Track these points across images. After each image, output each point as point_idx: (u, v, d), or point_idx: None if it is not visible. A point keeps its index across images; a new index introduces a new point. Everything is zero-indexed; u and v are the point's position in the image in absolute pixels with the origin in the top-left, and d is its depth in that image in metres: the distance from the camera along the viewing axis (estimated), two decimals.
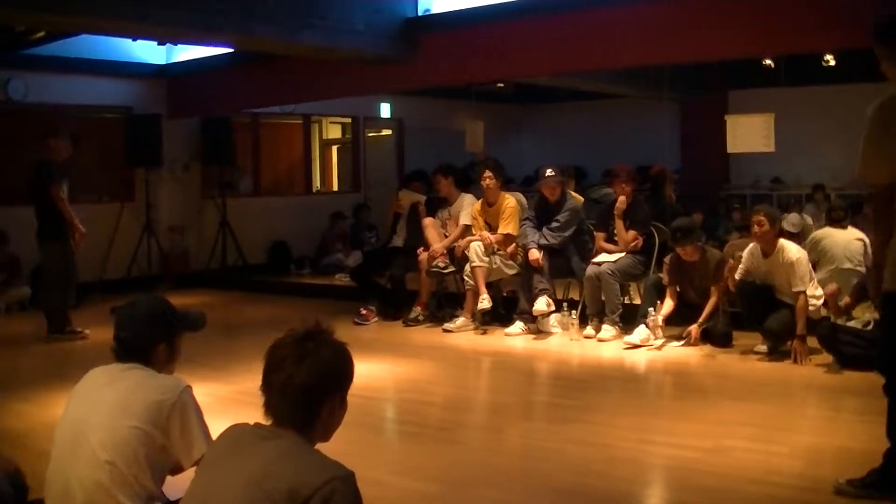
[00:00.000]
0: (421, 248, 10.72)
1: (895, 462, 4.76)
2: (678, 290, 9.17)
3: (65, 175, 10.09)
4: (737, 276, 8.56)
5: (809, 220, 12.65)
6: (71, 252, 10.05)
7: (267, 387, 2.78)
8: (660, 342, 8.94)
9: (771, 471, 5.31)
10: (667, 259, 9.24)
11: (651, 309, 9.00)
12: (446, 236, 10.77)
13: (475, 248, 10.03)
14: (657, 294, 9.17)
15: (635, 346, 8.90)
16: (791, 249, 8.32)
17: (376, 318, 10.86)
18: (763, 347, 8.47)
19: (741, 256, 8.66)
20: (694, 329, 8.83)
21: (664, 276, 9.18)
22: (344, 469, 2.60)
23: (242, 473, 2.61)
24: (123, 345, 3.68)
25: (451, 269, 10.44)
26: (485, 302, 9.89)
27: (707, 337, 8.92)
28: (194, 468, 3.09)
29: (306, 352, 2.75)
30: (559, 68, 11.51)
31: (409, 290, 11.26)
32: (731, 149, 11.29)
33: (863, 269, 8.80)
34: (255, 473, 2.58)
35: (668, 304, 9.07)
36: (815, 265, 8.91)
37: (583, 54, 10.39)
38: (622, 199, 9.78)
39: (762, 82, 16.65)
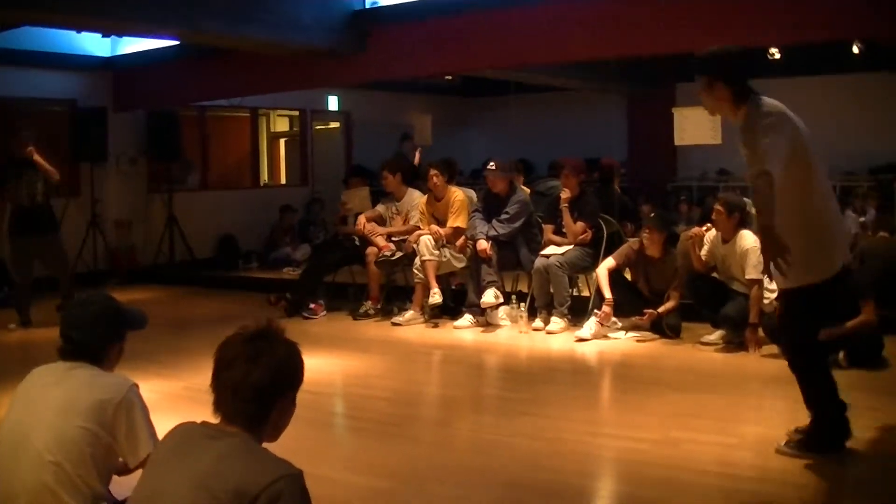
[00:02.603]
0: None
1: (820, 425, 5.26)
2: (633, 279, 9.26)
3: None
4: (701, 254, 8.65)
5: (754, 211, 12.75)
6: None
7: (218, 385, 2.75)
8: (612, 328, 9.01)
9: (721, 462, 5.35)
10: (627, 245, 9.30)
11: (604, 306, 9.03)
12: None
13: (425, 242, 10.02)
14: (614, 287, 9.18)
15: (586, 340, 8.93)
16: (748, 238, 8.39)
17: (325, 313, 10.81)
18: (712, 337, 8.56)
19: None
20: (652, 312, 8.88)
21: (615, 257, 9.19)
22: (292, 467, 2.59)
23: (190, 472, 2.58)
24: (75, 345, 3.63)
25: (399, 253, 10.45)
26: (436, 297, 9.88)
27: (657, 328, 8.97)
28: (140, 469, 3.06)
29: (259, 351, 2.74)
30: (507, 62, 11.53)
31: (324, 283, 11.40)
32: (678, 141, 11.35)
33: None
34: (203, 472, 2.56)
35: (605, 268, 9.15)
36: None
37: (530, 48, 10.40)
38: (566, 191, 9.81)
39: None
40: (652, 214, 9.19)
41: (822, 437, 5.26)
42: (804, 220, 5.02)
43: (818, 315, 5.30)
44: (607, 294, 8.97)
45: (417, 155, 13.66)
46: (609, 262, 9.13)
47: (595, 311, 9.13)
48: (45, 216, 10.43)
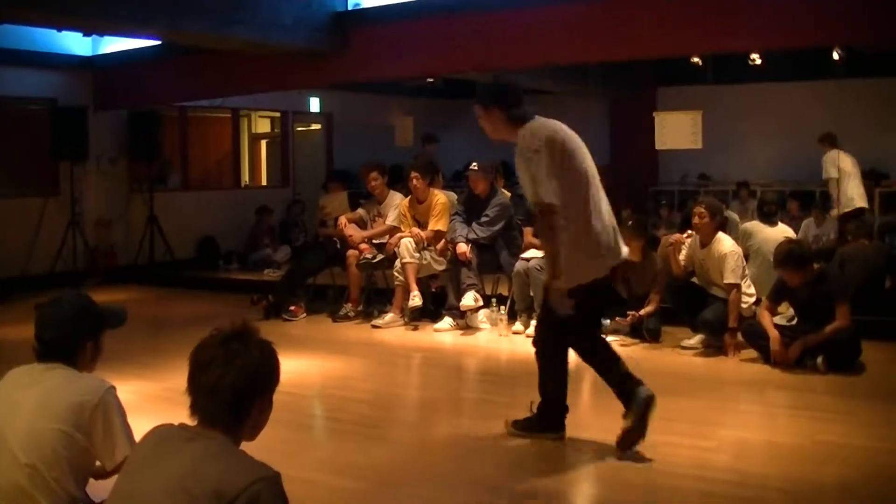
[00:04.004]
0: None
1: (547, 409, 5.98)
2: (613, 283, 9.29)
3: None
4: (680, 259, 8.70)
5: (736, 217, 12.80)
6: None
7: (195, 388, 2.74)
8: None
9: (699, 465, 5.36)
10: None
11: None
12: None
13: (405, 245, 10.01)
14: None
15: None
16: (725, 243, 8.46)
17: (304, 315, 10.80)
18: (692, 342, 8.58)
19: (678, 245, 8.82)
20: (634, 314, 8.94)
21: None
22: (270, 470, 2.59)
23: (167, 475, 2.58)
24: (47, 346, 3.60)
25: (380, 256, 10.44)
26: (416, 299, 9.87)
27: (637, 333, 8.99)
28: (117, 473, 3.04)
29: (235, 352, 2.72)
30: (489, 64, 11.52)
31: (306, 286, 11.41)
32: (659, 145, 11.40)
33: None
34: (180, 475, 2.55)
35: None
36: (746, 258, 9.01)
37: (513, 51, 10.42)
38: None
39: (690, 80, 16.83)
40: (630, 222, 9.20)
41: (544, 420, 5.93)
42: (574, 235, 5.45)
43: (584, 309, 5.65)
44: None
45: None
46: None
47: None
48: None
